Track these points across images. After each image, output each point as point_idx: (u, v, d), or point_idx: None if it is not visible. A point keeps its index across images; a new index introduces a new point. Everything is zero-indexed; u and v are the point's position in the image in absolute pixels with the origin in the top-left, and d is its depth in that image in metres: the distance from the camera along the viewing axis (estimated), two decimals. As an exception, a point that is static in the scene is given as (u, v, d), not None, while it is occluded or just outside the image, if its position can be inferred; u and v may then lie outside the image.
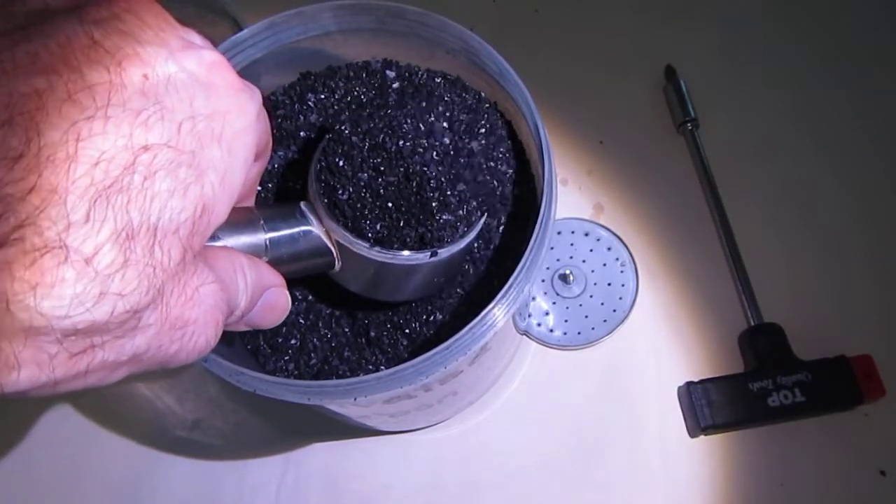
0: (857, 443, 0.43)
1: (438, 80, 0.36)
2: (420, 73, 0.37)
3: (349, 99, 0.37)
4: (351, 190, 0.29)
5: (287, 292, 0.27)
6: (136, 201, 0.18)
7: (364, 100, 0.37)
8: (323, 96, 0.37)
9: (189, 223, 0.20)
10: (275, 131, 0.37)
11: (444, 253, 0.30)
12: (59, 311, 0.17)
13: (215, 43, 0.24)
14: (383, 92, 0.36)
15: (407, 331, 0.34)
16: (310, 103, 0.37)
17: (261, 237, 0.27)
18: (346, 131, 0.30)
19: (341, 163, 0.29)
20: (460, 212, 0.30)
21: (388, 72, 0.37)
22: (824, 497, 0.42)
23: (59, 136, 0.17)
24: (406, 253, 0.29)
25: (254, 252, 0.26)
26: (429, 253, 0.30)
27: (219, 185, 0.21)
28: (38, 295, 0.17)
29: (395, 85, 0.36)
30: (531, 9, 0.56)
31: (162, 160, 0.19)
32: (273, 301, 0.26)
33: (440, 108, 0.35)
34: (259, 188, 0.36)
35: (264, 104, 0.24)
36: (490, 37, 0.33)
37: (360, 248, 0.29)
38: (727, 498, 0.42)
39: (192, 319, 0.21)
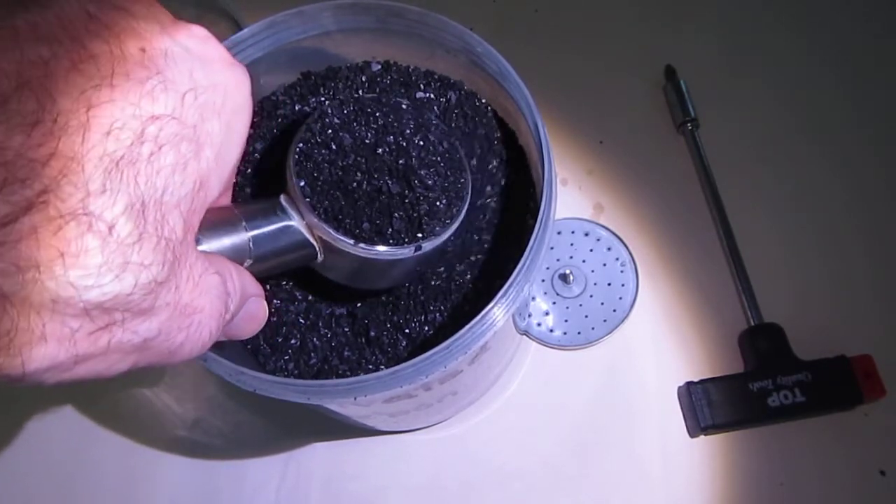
0: (857, 443, 0.43)
1: (432, 83, 0.36)
2: (417, 73, 0.37)
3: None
4: (331, 183, 0.29)
5: (265, 303, 0.27)
6: (144, 174, 0.18)
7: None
8: (324, 98, 0.37)
9: (189, 198, 0.20)
10: (276, 131, 0.37)
11: (428, 246, 0.30)
12: (87, 280, 0.17)
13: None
14: (376, 92, 0.36)
15: (407, 331, 0.34)
16: (311, 104, 0.37)
17: (243, 236, 0.26)
18: (326, 121, 0.30)
19: (319, 157, 0.29)
20: (442, 205, 0.30)
21: (380, 79, 0.37)
22: (824, 497, 0.42)
23: (69, 104, 0.17)
24: (391, 249, 0.29)
25: (238, 252, 0.26)
26: (413, 248, 0.29)
27: (213, 161, 0.21)
28: (66, 264, 0.16)
29: (387, 83, 0.36)
30: (531, 9, 0.56)
31: (168, 133, 0.19)
32: (254, 311, 0.26)
33: (431, 104, 0.35)
34: (260, 188, 0.36)
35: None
36: (490, 37, 0.33)
37: (345, 245, 0.29)
38: (727, 498, 0.42)
39: (200, 307, 0.21)
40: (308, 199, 0.29)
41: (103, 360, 0.18)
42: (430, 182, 0.30)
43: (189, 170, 0.20)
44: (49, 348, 0.17)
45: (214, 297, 0.22)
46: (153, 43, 0.19)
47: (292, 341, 0.35)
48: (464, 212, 0.31)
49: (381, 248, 0.29)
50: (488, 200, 0.35)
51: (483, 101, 0.36)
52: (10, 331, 0.16)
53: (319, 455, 0.45)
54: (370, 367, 0.34)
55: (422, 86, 0.36)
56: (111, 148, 0.17)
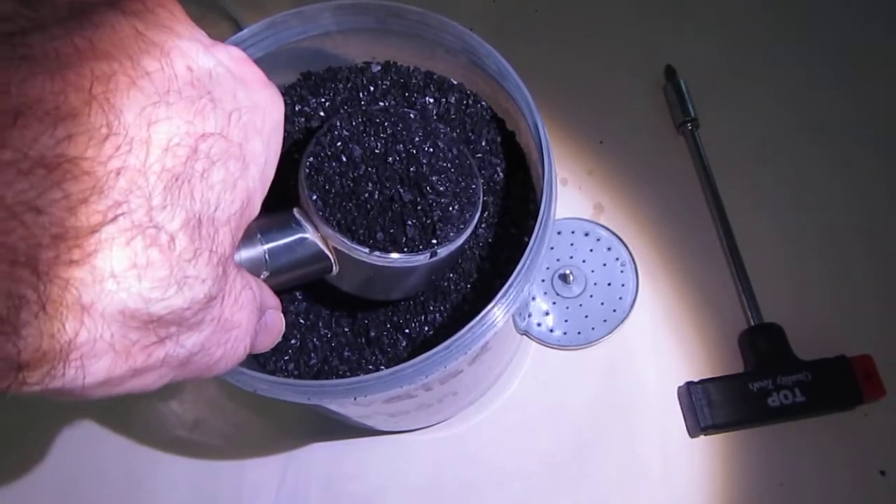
0: (857, 443, 0.43)
1: (432, 85, 0.36)
2: (417, 74, 0.37)
3: (350, 101, 0.37)
4: (343, 195, 0.29)
5: (282, 315, 0.27)
6: (199, 190, 0.18)
7: (363, 102, 0.37)
8: (324, 99, 0.37)
9: (238, 215, 0.20)
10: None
11: (443, 252, 0.30)
12: (154, 293, 0.17)
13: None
14: (376, 95, 0.36)
15: (407, 331, 0.34)
16: (311, 105, 0.37)
17: (259, 249, 0.26)
18: (335, 134, 0.30)
19: (330, 169, 0.29)
20: (454, 210, 0.30)
21: (380, 82, 0.37)
22: (824, 497, 0.42)
23: (133, 120, 0.17)
24: (406, 256, 0.29)
25: (255, 265, 0.26)
26: (428, 254, 0.30)
27: (259, 179, 0.21)
28: (139, 276, 0.16)
29: (386, 85, 0.36)
30: (531, 9, 0.56)
31: (217, 151, 0.19)
32: (271, 323, 0.26)
33: (431, 109, 0.35)
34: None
35: None
36: (490, 37, 0.33)
37: (360, 253, 0.29)
38: (727, 498, 0.42)
39: (238, 323, 0.21)
40: (321, 213, 0.29)
41: (151, 374, 0.19)
42: (441, 188, 0.30)
43: (238, 188, 0.20)
44: (110, 361, 0.17)
45: (250, 313, 0.22)
46: (198, 62, 0.20)
47: (292, 341, 0.35)
48: (477, 217, 0.31)
49: (396, 255, 0.29)
50: (488, 201, 0.35)
51: (483, 101, 0.37)
52: (87, 342, 0.16)
53: (319, 455, 0.45)
54: (370, 367, 0.34)
55: (422, 86, 0.36)
56: (169, 163, 0.17)
